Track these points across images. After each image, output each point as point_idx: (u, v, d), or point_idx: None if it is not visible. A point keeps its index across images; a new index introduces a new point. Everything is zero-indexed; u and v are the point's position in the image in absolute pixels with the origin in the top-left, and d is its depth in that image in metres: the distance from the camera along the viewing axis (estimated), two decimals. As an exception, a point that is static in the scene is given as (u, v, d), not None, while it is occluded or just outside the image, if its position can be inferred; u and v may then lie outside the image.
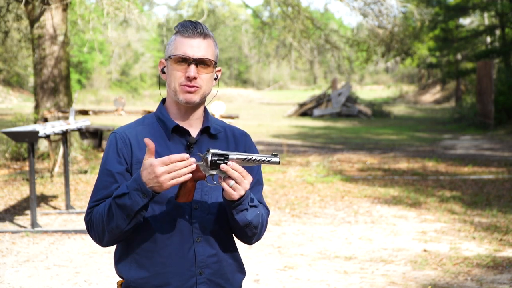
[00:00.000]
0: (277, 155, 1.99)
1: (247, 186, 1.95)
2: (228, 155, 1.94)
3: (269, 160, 1.98)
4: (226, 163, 1.93)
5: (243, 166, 1.96)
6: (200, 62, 2.04)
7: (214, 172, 1.95)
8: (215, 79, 2.14)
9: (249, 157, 1.96)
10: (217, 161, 1.93)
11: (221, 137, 2.16)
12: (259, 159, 1.97)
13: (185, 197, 1.95)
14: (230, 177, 1.93)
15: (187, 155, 1.88)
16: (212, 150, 1.94)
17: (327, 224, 7.08)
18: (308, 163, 11.92)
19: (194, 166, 1.88)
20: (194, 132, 2.11)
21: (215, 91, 2.24)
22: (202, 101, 2.11)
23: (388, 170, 11.13)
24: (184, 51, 2.03)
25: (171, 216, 2.03)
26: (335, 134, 19.58)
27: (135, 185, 1.91)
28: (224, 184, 1.93)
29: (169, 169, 1.86)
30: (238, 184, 1.93)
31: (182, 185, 1.94)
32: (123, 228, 1.95)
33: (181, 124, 2.10)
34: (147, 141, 1.89)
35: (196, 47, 2.04)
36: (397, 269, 5.33)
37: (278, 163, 1.99)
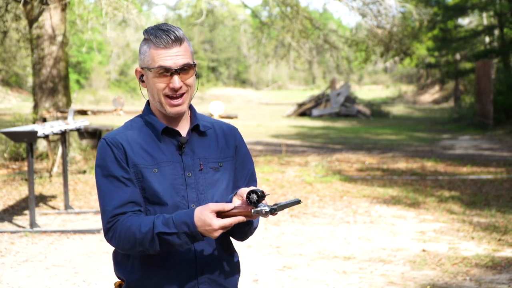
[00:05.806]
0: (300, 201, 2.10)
1: None
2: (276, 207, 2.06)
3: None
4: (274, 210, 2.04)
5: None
6: (182, 70, 2.01)
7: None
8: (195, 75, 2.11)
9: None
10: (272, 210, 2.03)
11: (210, 134, 2.14)
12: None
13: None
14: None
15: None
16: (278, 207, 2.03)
17: (326, 224, 7.08)
18: (307, 163, 11.92)
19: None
20: (183, 131, 2.10)
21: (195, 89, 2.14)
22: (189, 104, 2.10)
23: (387, 170, 11.13)
24: (164, 63, 1.99)
25: None
26: (334, 134, 19.58)
27: (186, 229, 1.91)
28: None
29: (227, 225, 1.91)
30: None
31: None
32: (159, 252, 1.97)
33: (170, 125, 2.08)
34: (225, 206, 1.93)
35: (175, 57, 2.00)
36: (396, 269, 5.33)
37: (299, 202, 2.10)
